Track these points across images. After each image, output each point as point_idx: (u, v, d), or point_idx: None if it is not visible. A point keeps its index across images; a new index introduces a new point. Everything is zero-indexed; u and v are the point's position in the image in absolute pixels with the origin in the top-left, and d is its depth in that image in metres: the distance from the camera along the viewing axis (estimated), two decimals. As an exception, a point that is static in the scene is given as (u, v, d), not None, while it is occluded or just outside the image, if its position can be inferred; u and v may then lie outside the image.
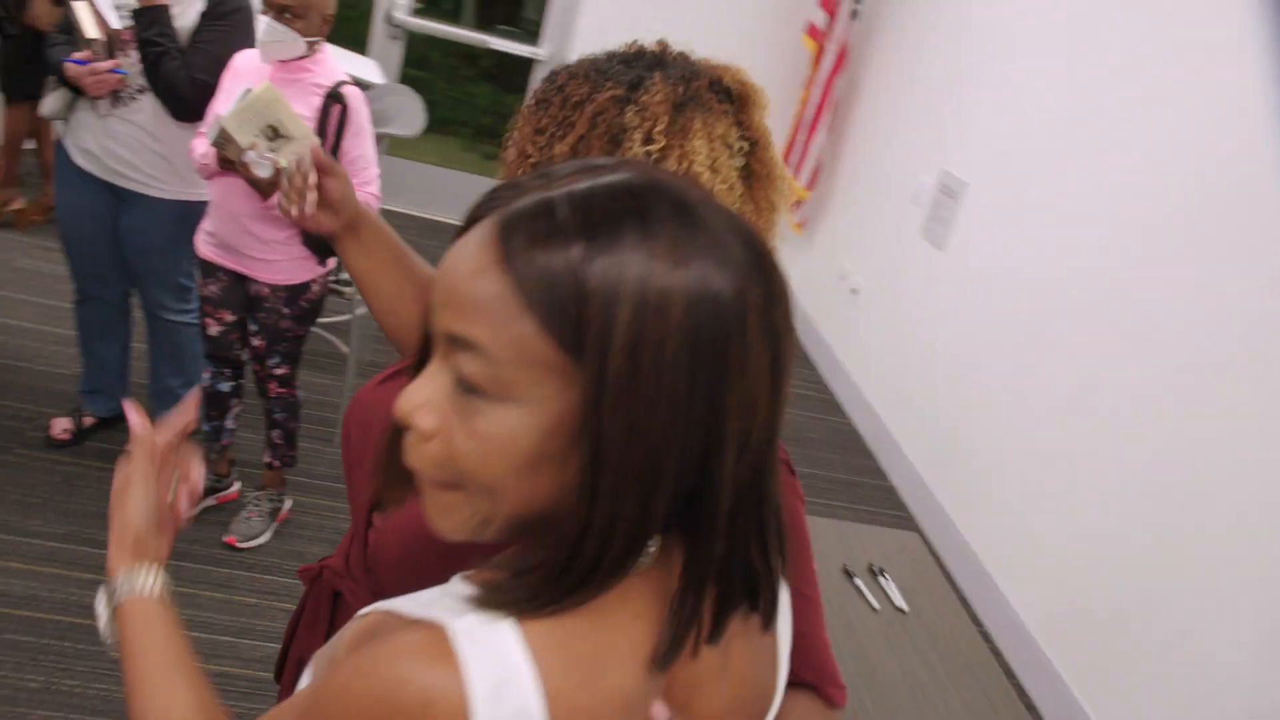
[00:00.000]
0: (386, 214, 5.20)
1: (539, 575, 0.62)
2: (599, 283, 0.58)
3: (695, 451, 0.61)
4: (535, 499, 0.63)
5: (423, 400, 0.64)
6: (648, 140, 0.94)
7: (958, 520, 3.69)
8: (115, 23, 2.64)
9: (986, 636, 3.35)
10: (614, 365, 0.58)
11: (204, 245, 2.64)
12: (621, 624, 0.64)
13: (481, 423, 0.62)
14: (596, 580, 0.62)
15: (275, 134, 2.30)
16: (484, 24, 5.60)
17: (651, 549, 0.65)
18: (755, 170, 0.99)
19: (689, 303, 0.59)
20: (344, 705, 0.60)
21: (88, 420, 3.12)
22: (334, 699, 0.61)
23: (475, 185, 5.52)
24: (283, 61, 2.42)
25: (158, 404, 3.08)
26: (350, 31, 5.21)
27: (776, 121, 5.24)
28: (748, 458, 0.64)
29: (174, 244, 2.79)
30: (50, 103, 2.82)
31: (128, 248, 2.83)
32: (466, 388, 0.62)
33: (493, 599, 0.62)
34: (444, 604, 0.65)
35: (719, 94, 0.98)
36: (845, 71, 4.94)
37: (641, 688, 0.64)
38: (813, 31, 4.94)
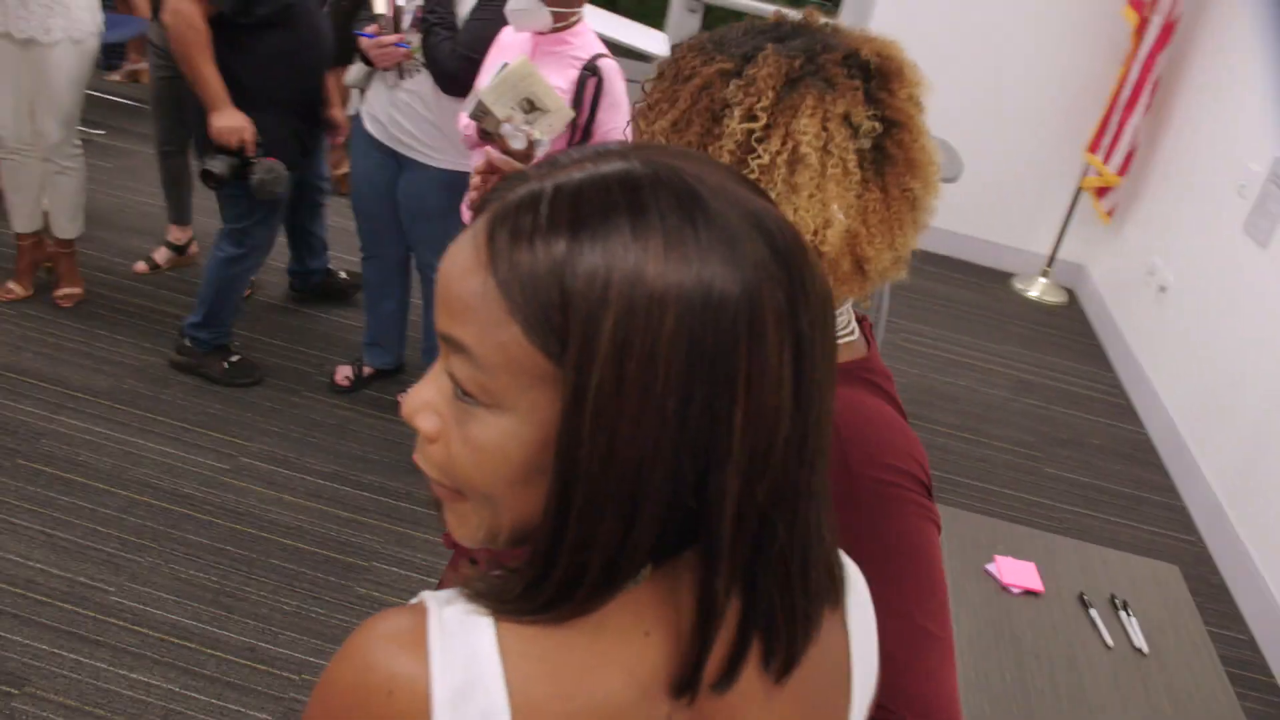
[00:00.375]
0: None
1: (518, 582, 0.58)
2: (583, 284, 0.53)
3: (691, 471, 0.55)
4: (534, 511, 0.59)
5: (423, 402, 0.61)
6: (749, 117, 0.88)
7: (1256, 555, 3.28)
8: (402, 0, 2.81)
9: (1244, 697, 2.96)
10: (597, 376, 0.53)
11: (468, 213, 2.77)
12: (624, 639, 0.61)
13: (474, 429, 0.59)
14: (575, 599, 0.57)
15: (531, 107, 2.36)
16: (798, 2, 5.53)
17: (644, 571, 0.60)
18: (890, 153, 0.90)
19: (685, 306, 0.53)
20: (325, 683, 0.61)
21: (367, 370, 3.40)
22: (323, 677, 0.62)
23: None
24: (541, 34, 2.48)
25: (429, 360, 3.29)
26: (652, 3, 5.29)
27: (1090, 100, 4.85)
28: (767, 480, 0.57)
29: (444, 210, 2.95)
30: (352, 73, 3.06)
31: (403, 212, 3.04)
32: (460, 392, 0.59)
33: (479, 593, 0.60)
34: (447, 592, 0.63)
35: (852, 68, 0.90)
36: (1170, 46, 4.46)
37: (632, 706, 0.60)
38: (1135, 2, 4.49)
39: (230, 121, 2.94)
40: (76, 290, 3.59)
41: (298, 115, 3.13)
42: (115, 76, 5.42)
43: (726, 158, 0.89)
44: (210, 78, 2.90)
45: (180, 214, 3.91)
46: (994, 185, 5.13)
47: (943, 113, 4.89)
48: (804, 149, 0.87)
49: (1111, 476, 3.85)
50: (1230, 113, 4.14)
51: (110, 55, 5.36)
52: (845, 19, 5.12)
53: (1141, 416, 4.28)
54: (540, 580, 0.58)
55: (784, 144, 0.88)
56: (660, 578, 0.61)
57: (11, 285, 3.56)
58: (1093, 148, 4.74)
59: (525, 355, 0.55)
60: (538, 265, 0.54)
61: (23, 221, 3.49)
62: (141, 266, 3.86)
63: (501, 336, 0.55)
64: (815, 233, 0.88)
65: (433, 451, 0.62)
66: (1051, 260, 5.13)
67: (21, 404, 3.09)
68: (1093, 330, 4.93)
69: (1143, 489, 3.82)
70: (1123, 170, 4.66)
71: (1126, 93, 4.54)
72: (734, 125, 0.88)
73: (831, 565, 0.66)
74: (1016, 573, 1.97)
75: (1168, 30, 4.40)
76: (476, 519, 0.62)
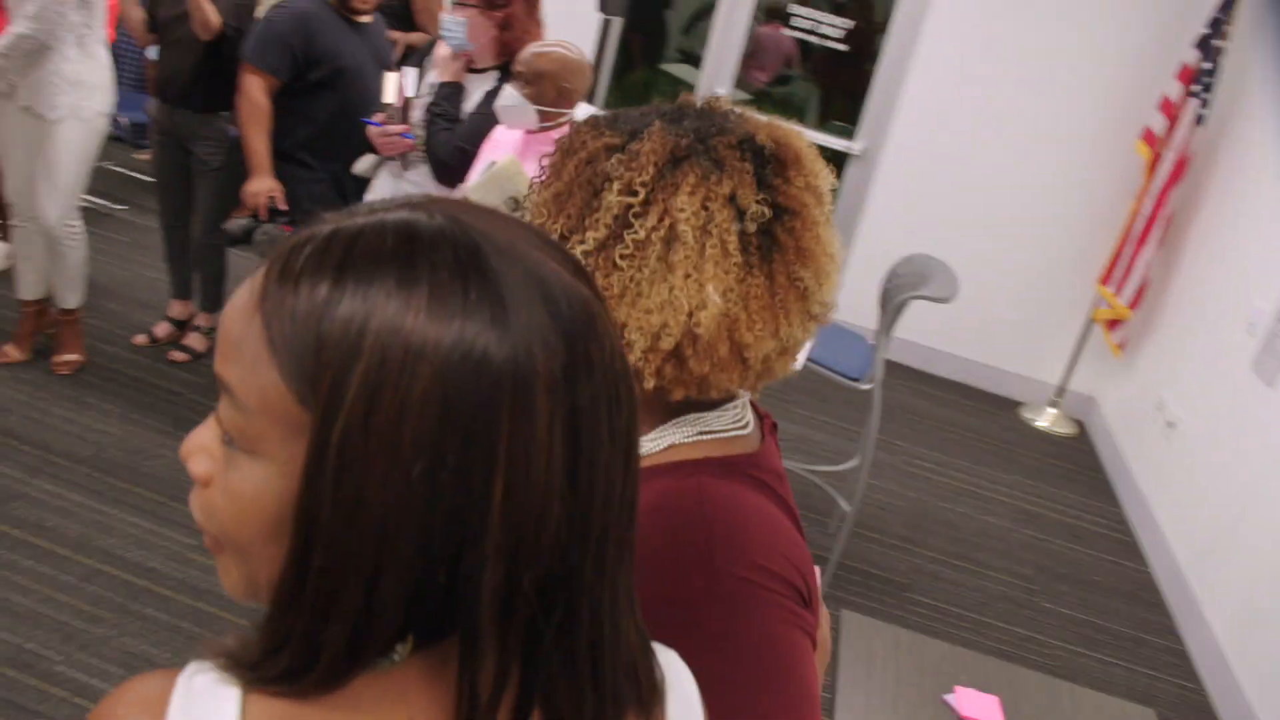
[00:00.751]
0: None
1: (256, 647, 0.54)
2: (339, 330, 0.50)
3: (445, 545, 0.51)
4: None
5: (199, 445, 0.58)
6: (628, 191, 0.86)
7: (1260, 709, 3.13)
8: (411, 92, 2.87)
9: None
10: (341, 425, 0.50)
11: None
12: None
13: (234, 477, 0.55)
14: (315, 671, 0.53)
15: (517, 205, 2.37)
16: (823, 120, 5.62)
17: (398, 651, 0.55)
18: (780, 240, 0.88)
19: (442, 363, 0.50)
20: None
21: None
22: None
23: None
24: (530, 133, 2.51)
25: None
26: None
27: (1104, 231, 4.85)
28: (536, 567, 0.53)
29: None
30: (363, 162, 3.12)
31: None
32: (226, 437, 0.55)
33: (231, 660, 0.55)
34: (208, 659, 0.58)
35: (744, 151, 0.88)
36: (1182, 183, 4.47)
37: None
38: (1149, 137, 4.52)
39: (260, 185, 3.24)
40: (76, 357, 3.61)
41: (343, 173, 3.34)
42: (144, 156, 5.55)
43: (603, 231, 0.87)
44: (258, 148, 3.25)
45: (181, 289, 3.95)
46: (1005, 312, 5.10)
47: (955, 235, 4.94)
48: (681, 227, 0.85)
49: (1111, 615, 3.72)
50: (1241, 250, 4.12)
51: (139, 134, 5.51)
52: (860, 138, 5.19)
53: (1146, 554, 4.15)
54: (276, 647, 0.53)
55: (660, 220, 0.86)
56: (428, 660, 0.56)
57: (9, 348, 3.58)
58: (1105, 279, 4.71)
59: (281, 401, 0.52)
60: (299, 307, 0.52)
61: (28, 288, 3.54)
62: (141, 339, 3.89)
63: (261, 379, 0.52)
64: (690, 314, 0.85)
65: (201, 497, 0.58)
66: (1062, 390, 5.07)
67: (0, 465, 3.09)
68: (1100, 463, 4.83)
69: (1143, 630, 3.68)
70: (1134, 303, 4.63)
71: (1139, 226, 4.53)
72: (612, 198, 0.87)
73: (636, 665, 0.61)
74: (977, 706, 1.87)
75: (1180, 166, 4.41)
76: (237, 572, 0.58)
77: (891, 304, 3.21)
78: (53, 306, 3.60)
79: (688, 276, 0.85)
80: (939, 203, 5.05)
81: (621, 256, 0.87)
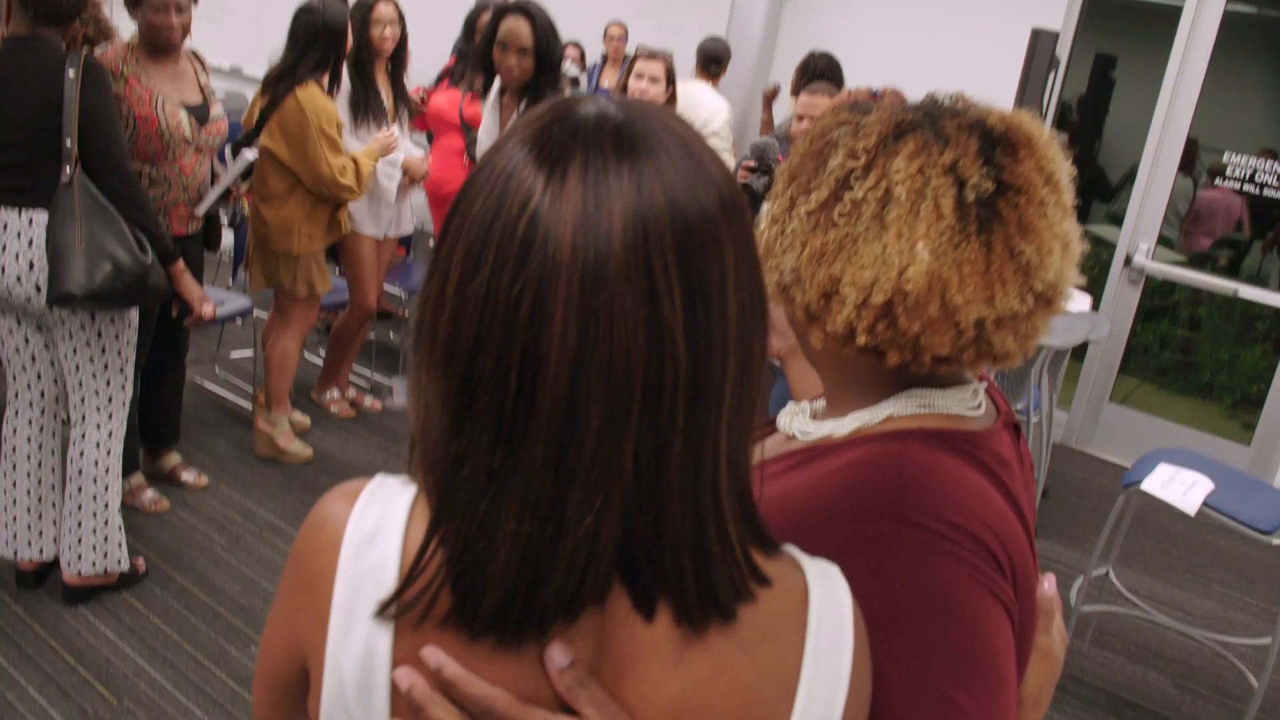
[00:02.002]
0: (1101, 463, 4.96)
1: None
2: None
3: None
4: None
5: None
6: (850, 155, 0.94)
7: None
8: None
9: None
10: None
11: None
12: None
13: None
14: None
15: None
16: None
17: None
18: (1003, 214, 0.91)
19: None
20: None
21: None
22: None
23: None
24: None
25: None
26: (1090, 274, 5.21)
27: None
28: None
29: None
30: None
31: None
32: None
33: (417, 471, 0.73)
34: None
35: (973, 131, 0.93)
36: None
37: None
38: None
39: None
40: None
41: None
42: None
43: (825, 192, 0.94)
44: None
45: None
46: None
47: None
48: (897, 189, 0.90)
49: None
50: None
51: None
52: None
53: None
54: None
55: (878, 182, 0.91)
56: None
57: None
58: None
59: None
60: None
61: None
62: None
63: None
64: (900, 271, 0.90)
65: None
66: None
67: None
68: None
69: None
70: None
71: None
72: (835, 162, 0.94)
73: (731, 533, 0.71)
74: None
75: None
76: None
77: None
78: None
79: (900, 235, 0.90)
80: None
81: (840, 215, 0.93)
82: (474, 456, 0.67)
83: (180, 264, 3.00)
